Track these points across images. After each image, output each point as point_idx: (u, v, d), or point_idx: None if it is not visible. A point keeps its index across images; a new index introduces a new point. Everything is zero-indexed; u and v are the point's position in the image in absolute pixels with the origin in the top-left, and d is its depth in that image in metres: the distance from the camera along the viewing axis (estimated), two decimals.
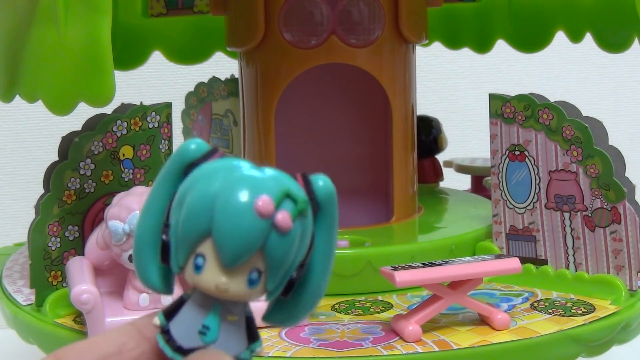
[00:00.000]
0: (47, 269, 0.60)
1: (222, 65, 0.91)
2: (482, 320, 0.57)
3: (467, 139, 1.08)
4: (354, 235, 0.67)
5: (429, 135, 0.86)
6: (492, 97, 0.66)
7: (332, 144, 0.72)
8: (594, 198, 0.62)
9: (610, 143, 0.62)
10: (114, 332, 0.29)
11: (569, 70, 1.12)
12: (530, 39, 0.82)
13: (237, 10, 0.71)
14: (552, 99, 0.64)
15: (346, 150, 0.73)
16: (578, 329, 0.56)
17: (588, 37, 0.76)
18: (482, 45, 0.86)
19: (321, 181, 0.29)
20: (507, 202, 0.66)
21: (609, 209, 0.61)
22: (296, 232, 0.28)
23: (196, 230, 0.28)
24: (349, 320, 0.59)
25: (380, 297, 0.63)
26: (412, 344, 0.54)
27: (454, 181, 0.89)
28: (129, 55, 0.83)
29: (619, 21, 0.72)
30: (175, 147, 0.65)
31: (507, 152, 0.65)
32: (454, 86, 1.12)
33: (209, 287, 0.28)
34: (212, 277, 0.28)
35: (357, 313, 0.60)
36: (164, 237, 0.29)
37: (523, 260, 0.62)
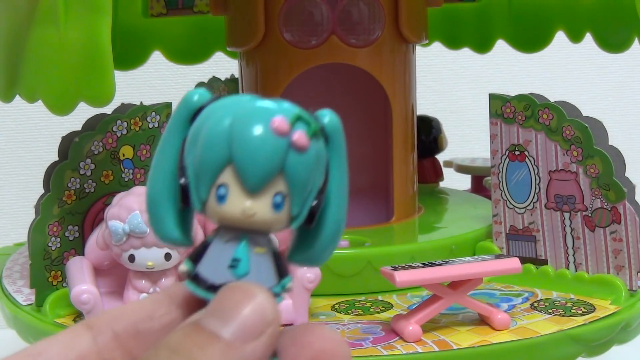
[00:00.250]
0: (47, 269, 0.60)
1: (222, 65, 0.91)
2: (482, 320, 0.57)
3: (467, 139, 1.08)
4: (354, 235, 0.67)
5: (429, 135, 0.86)
6: (492, 97, 0.66)
7: None
8: (594, 198, 0.62)
9: (610, 143, 0.62)
10: (145, 300, 0.29)
11: (569, 70, 1.12)
12: (530, 39, 0.82)
13: (237, 10, 0.71)
14: (552, 99, 0.64)
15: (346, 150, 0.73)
16: (578, 329, 0.56)
17: (588, 37, 0.76)
18: (482, 45, 0.86)
19: (326, 115, 0.29)
20: (507, 202, 0.66)
21: (609, 209, 0.61)
22: (312, 152, 0.28)
23: (215, 160, 0.28)
24: (349, 320, 0.59)
25: (380, 297, 0.63)
26: (412, 344, 0.54)
27: (454, 181, 0.89)
28: (129, 55, 0.83)
29: (619, 21, 0.72)
30: None
31: (507, 152, 0.65)
32: (454, 86, 1.12)
33: (235, 215, 0.28)
34: (237, 203, 0.28)
35: (357, 313, 0.60)
36: (182, 180, 0.29)
37: (523, 260, 0.62)
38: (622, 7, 0.72)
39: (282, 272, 0.29)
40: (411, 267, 0.56)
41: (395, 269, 0.55)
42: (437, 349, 0.53)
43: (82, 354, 0.27)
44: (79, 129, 0.62)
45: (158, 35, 0.85)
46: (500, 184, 0.66)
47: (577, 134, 0.62)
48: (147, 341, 0.28)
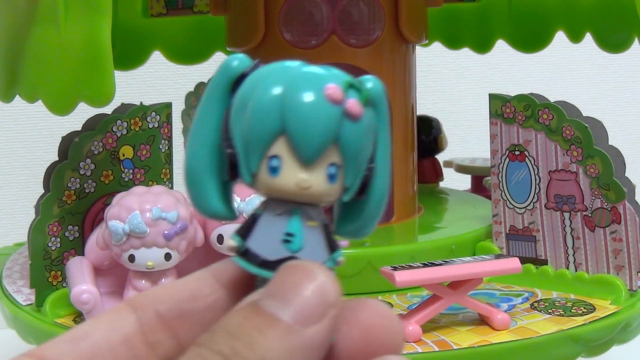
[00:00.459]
0: (47, 269, 0.60)
1: None
2: (482, 320, 0.57)
3: (467, 139, 1.08)
4: None
5: (429, 135, 0.86)
6: (492, 97, 0.66)
7: None
8: (594, 198, 0.62)
9: (610, 143, 0.62)
10: (188, 278, 0.28)
11: (569, 70, 1.12)
12: (530, 39, 0.82)
13: (237, 10, 0.71)
14: (552, 99, 0.64)
15: None
16: (578, 329, 0.56)
17: (588, 37, 0.76)
18: (482, 45, 0.86)
19: (369, 81, 0.28)
20: (507, 202, 0.66)
21: (609, 209, 0.61)
22: (365, 120, 0.27)
23: (267, 130, 0.27)
24: None
25: (380, 297, 0.63)
26: (412, 344, 0.54)
27: (454, 181, 0.89)
28: (129, 55, 0.83)
29: (619, 21, 0.72)
30: (175, 147, 0.65)
31: (507, 152, 0.65)
32: (454, 86, 1.12)
33: (289, 187, 0.27)
34: (291, 175, 0.27)
35: None
36: (229, 150, 0.27)
37: (523, 260, 0.62)
38: (622, 7, 0.72)
39: (332, 246, 0.28)
40: (411, 267, 0.56)
41: (395, 269, 0.55)
42: (437, 349, 0.53)
43: (127, 336, 0.26)
44: (79, 129, 0.62)
45: (158, 35, 0.85)
46: (500, 184, 0.66)
47: (577, 134, 0.62)
48: (192, 322, 0.27)
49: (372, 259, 0.63)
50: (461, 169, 0.89)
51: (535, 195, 0.64)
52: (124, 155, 0.61)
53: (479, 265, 0.56)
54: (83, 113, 0.59)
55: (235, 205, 0.57)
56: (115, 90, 0.51)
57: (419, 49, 0.75)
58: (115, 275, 0.59)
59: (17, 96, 0.59)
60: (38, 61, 0.55)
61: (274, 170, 0.27)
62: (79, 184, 0.60)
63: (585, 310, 0.59)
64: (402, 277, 0.55)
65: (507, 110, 0.65)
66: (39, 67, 0.55)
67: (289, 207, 0.27)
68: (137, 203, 0.55)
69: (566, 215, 0.63)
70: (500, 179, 0.66)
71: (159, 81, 1.04)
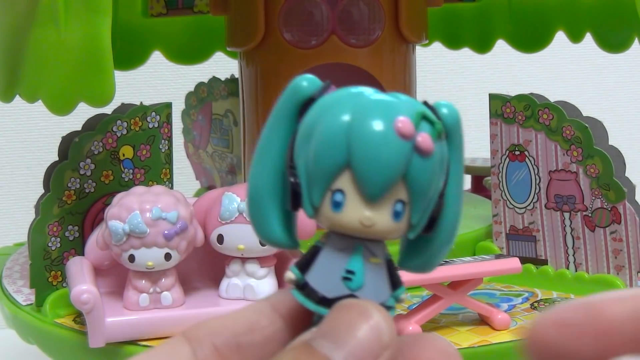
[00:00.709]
0: (47, 269, 0.60)
1: (222, 65, 0.91)
2: (482, 320, 0.57)
3: (467, 139, 1.07)
4: None
5: None
6: (492, 97, 0.66)
7: None
8: (594, 198, 0.62)
9: (610, 143, 0.62)
10: (246, 309, 0.27)
11: (569, 70, 1.12)
12: (530, 39, 0.82)
13: (237, 10, 0.71)
14: (552, 99, 0.64)
15: None
16: None
17: (588, 37, 0.76)
18: (482, 45, 0.86)
19: (445, 108, 0.27)
20: (507, 202, 0.66)
21: (609, 209, 0.61)
22: (437, 155, 0.26)
23: (332, 163, 0.25)
24: None
25: None
26: None
27: None
28: (129, 55, 0.83)
29: (619, 21, 0.72)
30: (175, 147, 0.65)
31: (507, 152, 0.65)
32: (454, 86, 1.12)
33: (352, 225, 0.25)
34: (355, 212, 0.25)
35: None
36: (292, 179, 0.26)
37: (523, 260, 0.62)
38: (622, 7, 0.72)
39: (395, 282, 0.27)
40: None
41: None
42: None
43: None
44: (79, 129, 0.62)
45: (158, 35, 0.85)
46: (500, 184, 0.66)
47: (577, 134, 0.62)
48: (248, 354, 0.26)
49: None
50: None
51: (535, 195, 0.64)
52: (124, 155, 0.61)
53: (479, 265, 0.56)
54: (83, 113, 0.59)
55: (235, 205, 0.57)
56: (115, 90, 0.51)
57: (419, 49, 0.75)
58: (115, 275, 0.59)
59: (17, 96, 0.59)
60: (38, 61, 0.55)
61: (337, 206, 0.26)
62: (79, 184, 0.60)
63: None
64: (402, 277, 0.54)
65: (507, 110, 0.65)
66: (39, 67, 0.55)
67: (351, 243, 0.26)
68: (137, 203, 0.55)
69: (566, 215, 0.63)
70: (500, 179, 0.66)
71: (159, 81, 1.04)
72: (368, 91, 0.26)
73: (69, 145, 0.60)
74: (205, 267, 0.61)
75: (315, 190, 0.26)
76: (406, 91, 0.72)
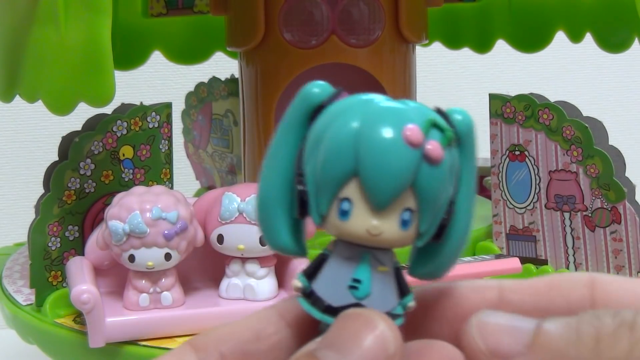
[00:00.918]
0: (47, 269, 0.60)
1: (222, 65, 0.91)
2: None
3: None
4: None
5: None
6: (492, 97, 0.66)
7: None
8: (594, 198, 0.62)
9: (610, 143, 0.62)
10: (252, 317, 0.27)
11: (569, 70, 1.12)
12: (530, 39, 0.82)
13: (237, 10, 0.71)
14: (552, 99, 0.64)
15: None
16: None
17: (588, 37, 0.76)
18: (482, 45, 0.86)
19: (459, 114, 0.26)
20: (507, 202, 0.66)
21: (609, 209, 0.61)
22: (446, 163, 0.25)
23: (339, 171, 0.25)
24: None
25: None
26: None
27: None
28: (129, 55, 0.83)
29: (619, 21, 0.72)
30: (175, 147, 0.65)
31: (507, 152, 0.65)
32: (454, 86, 1.12)
33: (359, 233, 0.25)
34: (362, 221, 0.25)
35: None
36: (299, 187, 0.26)
37: (523, 260, 0.62)
38: (622, 7, 0.72)
39: (403, 290, 0.27)
40: None
41: None
42: None
43: None
44: (79, 129, 0.62)
45: (158, 35, 0.85)
46: (500, 184, 0.66)
47: (577, 134, 0.62)
48: None
49: None
50: None
51: (536, 195, 0.64)
52: (124, 155, 0.61)
53: (479, 265, 0.56)
54: (83, 113, 0.59)
55: (235, 205, 0.57)
56: (115, 90, 0.51)
57: (419, 49, 0.75)
58: (115, 275, 0.59)
59: (17, 96, 0.59)
60: (38, 61, 0.55)
61: (344, 214, 0.25)
62: (79, 184, 0.60)
63: None
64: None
65: (507, 110, 0.65)
66: (39, 67, 0.55)
67: (359, 251, 0.26)
68: (137, 203, 0.55)
69: (566, 215, 0.63)
70: (501, 179, 0.66)
71: (159, 81, 1.04)
72: (378, 98, 0.26)
73: (69, 145, 0.60)
74: (205, 267, 0.61)
75: (322, 199, 0.26)
76: (406, 91, 0.72)
